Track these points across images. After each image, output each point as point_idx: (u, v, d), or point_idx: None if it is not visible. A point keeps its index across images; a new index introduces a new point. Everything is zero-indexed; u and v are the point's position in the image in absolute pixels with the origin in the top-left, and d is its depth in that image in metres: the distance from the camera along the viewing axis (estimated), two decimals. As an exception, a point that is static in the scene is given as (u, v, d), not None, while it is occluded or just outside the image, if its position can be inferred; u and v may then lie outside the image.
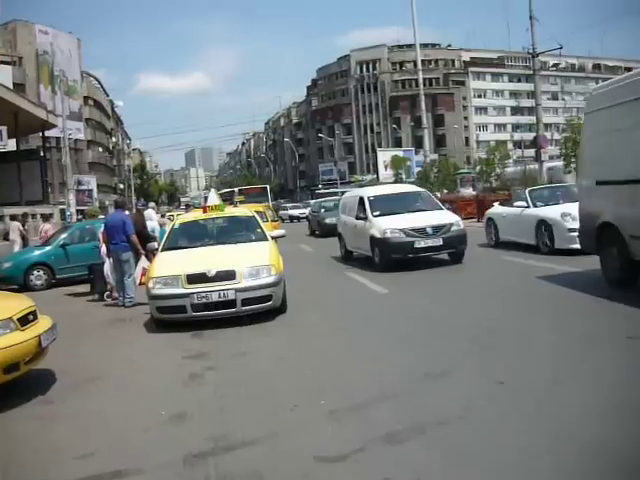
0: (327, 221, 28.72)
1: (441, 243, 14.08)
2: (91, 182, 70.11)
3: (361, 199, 16.33)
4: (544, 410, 5.20)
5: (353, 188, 67.71)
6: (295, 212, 58.24)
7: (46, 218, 27.24)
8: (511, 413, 5.21)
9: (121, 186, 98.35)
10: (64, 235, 18.02)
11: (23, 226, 25.06)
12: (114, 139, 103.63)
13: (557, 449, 4.45)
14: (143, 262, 12.17)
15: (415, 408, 5.50)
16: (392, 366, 6.88)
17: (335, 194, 59.34)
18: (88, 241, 17.34)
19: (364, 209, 15.71)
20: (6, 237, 23.94)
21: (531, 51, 32.36)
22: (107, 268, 13.50)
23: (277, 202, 71.00)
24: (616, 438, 4.50)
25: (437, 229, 14.17)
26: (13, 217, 26.80)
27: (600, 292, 9.49)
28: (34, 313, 7.15)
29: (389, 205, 15.61)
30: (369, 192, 17.06)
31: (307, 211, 44.15)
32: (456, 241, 14.30)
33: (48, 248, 17.61)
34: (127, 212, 14.61)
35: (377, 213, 15.27)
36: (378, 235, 14.43)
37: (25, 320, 6.84)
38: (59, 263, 17.17)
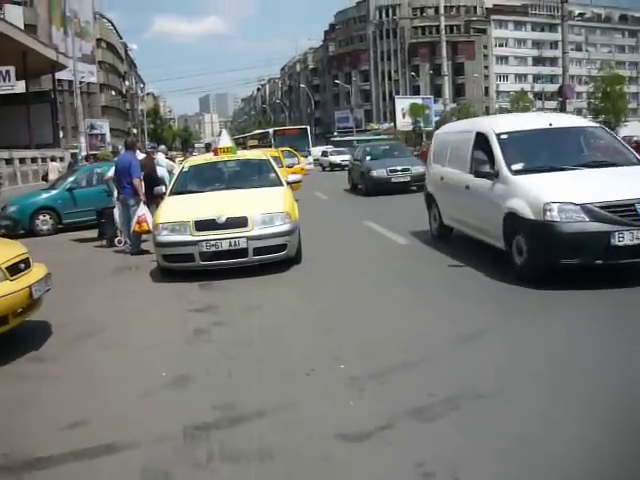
0: (375, 174, 21.60)
1: None
2: (104, 126, 68.90)
3: (481, 138, 9.03)
4: (602, 388, 4.54)
5: (370, 136, 65.94)
6: (337, 158, 47.32)
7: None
8: (562, 388, 4.54)
9: (134, 130, 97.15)
10: (71, 178, 17.26)
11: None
12: (127, 83, 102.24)
13: (616, 439, 3.81)
14: (141, 209, 11.51)
15: (446, 377, 4.85)
16: (417, 326, 6.25)
17: (350, 142, 57.65)
18: (97, 185, 16.68)
19: (490, 157, 8.58)
20: (45, 178, 23.79)
21: (560, -5, 30.79)
22: (116, 213, 12.87)
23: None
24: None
25: None
26: (53, 159, 27.02)
27: None
28: (26, 261, 6.53)
29: (542, 151, 8.75)
30: (498, 125, 9.36)
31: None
32: None
33: (54, 192, 16.90)
34: (141, 153, 13.94)
35: (519, 167, 8.24)
36: (530, 214, 7.38)
37: (15, 269, 6.21)
38: (66, 207, 16.46)
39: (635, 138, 41.48)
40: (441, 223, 10.87)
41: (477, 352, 5.40)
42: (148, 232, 11.04)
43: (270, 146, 37.32)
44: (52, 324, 7.07)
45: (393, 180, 21.22)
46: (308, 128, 50.53)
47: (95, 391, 5.09)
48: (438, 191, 10.98)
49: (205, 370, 5.35)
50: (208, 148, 21.03)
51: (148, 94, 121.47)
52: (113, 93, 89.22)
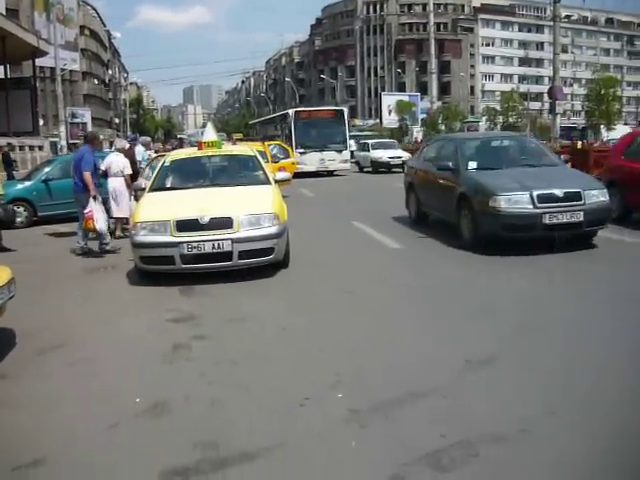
0: (503, 205, 9.22)
1: None
2: (85, 115, 67.92)
3: None
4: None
5: (355, 132, 65.27)
6: (383, 155, 33.91)
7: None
8: (593, 424, 3.97)
9: (116, 120, 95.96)
10: (47, 169, 16.51)
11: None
12: (110, 71, 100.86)
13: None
14: (92, 204, 10.90)
15: (458, 412, 4.26)
16: (420, 346, 5.65)
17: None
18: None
19: None
20: None
21: (552, -4, 30.25)
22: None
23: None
24: None
25: None
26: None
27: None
28: (-13, 265, 5.88)
29: None
30: None
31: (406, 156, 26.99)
32: None
33: (29, 183, 16.11)
34: (124, 146, 13.91)
35: None
36: None
37: (-27, 274, 5.57)
38: (41, 199, 15.73)
39: None
40: None
41: (489, 380, 4.81)
42: (94, 231, 10.81)
43: (290, 137, 31.66)
44: (17, 333, 6.42)
45: (547, 220, 9.18)
46: (345, 111, 35.89)
47: (56, 420, 4.44)
48: None
49: (184, 396, 4.71)
50: (181, 143, 19.61)
51: (131, 84, 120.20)
52: (96, 82, 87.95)
